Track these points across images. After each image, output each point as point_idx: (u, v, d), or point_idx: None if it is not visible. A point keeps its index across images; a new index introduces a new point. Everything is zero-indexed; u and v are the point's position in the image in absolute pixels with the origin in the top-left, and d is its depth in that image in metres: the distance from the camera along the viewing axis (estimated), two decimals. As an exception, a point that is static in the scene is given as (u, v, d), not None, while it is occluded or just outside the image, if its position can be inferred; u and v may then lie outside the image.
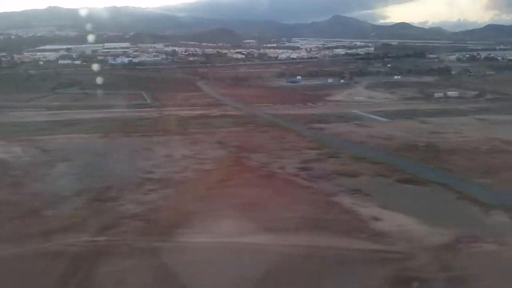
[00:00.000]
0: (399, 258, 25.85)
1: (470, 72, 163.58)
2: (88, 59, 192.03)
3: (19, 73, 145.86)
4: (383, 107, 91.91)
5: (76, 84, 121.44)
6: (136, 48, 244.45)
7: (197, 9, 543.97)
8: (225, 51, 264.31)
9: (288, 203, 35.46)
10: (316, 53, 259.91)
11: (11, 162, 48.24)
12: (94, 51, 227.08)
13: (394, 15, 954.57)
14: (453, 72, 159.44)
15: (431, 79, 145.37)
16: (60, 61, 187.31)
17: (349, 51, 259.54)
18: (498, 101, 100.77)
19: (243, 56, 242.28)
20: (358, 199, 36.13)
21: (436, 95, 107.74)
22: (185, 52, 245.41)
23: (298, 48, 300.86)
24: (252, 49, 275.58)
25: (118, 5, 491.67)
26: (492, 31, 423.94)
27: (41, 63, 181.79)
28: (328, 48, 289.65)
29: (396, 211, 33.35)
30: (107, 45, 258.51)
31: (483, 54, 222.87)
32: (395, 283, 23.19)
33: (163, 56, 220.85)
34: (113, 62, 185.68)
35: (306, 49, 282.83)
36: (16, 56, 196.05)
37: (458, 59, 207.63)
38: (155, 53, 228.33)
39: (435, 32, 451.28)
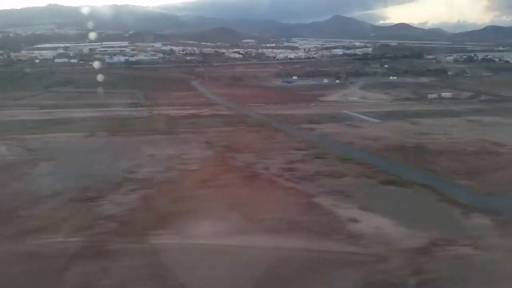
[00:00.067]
0: (371, 261, 25.58)
1: (467, 73, 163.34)
2: (85, 57, 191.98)
3: (13, 71, 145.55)
4: (375, 108, 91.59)
5: (70, 83, 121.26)
6: (134, 47, 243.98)
7: (198, 8, 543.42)
8: (223, 50, 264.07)
9: (267, 204, 35.20)
10: (314, 53, 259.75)
11: (-6, 161, 47.97)
12: (91, 50, 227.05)
13: (394, 15, 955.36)
14: (449, 73, 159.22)
15: (427, 80, 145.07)
16: (57, 60, 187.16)
17: (347, 52, 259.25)
18: (491, 103, 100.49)
19: (241, 55, 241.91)
20: (339, 201, 35.88)
21: (430, 96, 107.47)
22: (183, 51, 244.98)
23: (296, 48, 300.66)
24: (251, 49, 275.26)
25: (119, 4, 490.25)
26: (492, 32, 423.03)
27: (37, 61, 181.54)
28: (326, 48, 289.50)
29: (376, 213, 33.09)
30: (105, 43, 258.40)
31: (481, 56, 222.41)
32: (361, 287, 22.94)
33: (160, 55, 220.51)
34: (109, 61, 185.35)
35: (304, 49, 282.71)
36: (12, 54, 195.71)
37: (456, 60, 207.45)
38: (152, 52, 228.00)
39: (435, 33, 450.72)
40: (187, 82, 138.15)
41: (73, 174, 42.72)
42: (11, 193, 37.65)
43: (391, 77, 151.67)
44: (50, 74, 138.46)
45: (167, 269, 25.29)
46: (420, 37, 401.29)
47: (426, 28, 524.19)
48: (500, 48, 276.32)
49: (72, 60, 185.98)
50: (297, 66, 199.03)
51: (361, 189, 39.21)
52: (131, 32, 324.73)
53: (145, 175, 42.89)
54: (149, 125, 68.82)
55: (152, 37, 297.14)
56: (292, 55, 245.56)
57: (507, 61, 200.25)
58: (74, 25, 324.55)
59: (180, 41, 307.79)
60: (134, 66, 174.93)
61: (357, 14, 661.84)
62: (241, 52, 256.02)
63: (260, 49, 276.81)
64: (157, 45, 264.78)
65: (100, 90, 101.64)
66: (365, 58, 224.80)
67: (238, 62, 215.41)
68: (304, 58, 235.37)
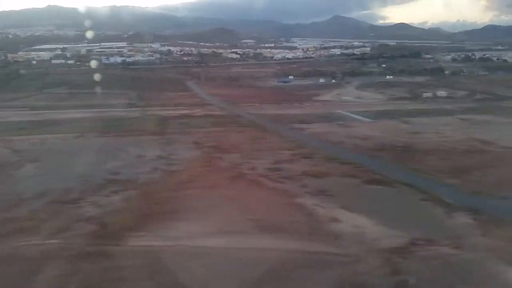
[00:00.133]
0: (346, 262, 25.34)
1: (463, 72, 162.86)
2: (82, 58, 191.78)
3: (8, 72, 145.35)
4: (369, 107, 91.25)
5: (64, 84, 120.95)
6: (131, 48, 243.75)
7: (197, 8, 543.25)
8: (221, 51, 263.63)
9: (249, 205, 35.01)
10: (312, 53, 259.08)
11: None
12: (89, 51, 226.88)
13: (394, 15, 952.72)
14: (446, 72, 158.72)
15: (423, 79, 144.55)
16: (54, 61, 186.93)
17: (345, 51, 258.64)
18: (486, 101, 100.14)
19: (238, 56, 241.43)
20: (321, 200, 35.66)
21: (425, 95, 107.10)
22: (180, 51, 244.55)
23: (295, 48, 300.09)
24: (249, 49, 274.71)
25: (118, 4, 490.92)
26: (491, 31, 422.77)
27: (34, 62, 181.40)
28: (325, 48, 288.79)
29: (357, 213, 32.86)
30: (103, 44, 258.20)
31: (479, 55, 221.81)
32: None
33: (158, 55, 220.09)
34: (106, 61, 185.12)
35: (302, 49, 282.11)
36: (10, 56, 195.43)
37: (453, 59, 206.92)
38: (149, 53, 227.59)
39: (434, 33, 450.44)
40: (182, 83, 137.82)
41: (57, 176, 42.55)
42: (-7, 195, 37.43)
43: (387, 77, 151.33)
44: (45, 75, 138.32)
45: (141, 271, 25.09)
46: (419, 37, 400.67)
47: (425, 28, 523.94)
48: (499, 47, 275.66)
49: (69, 61, 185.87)
50: (295, 66, 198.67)
51: (345, 188, 39.01)
52: (130, 33, 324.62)
53: (129, 176, 42.63)
54: (140, 126, 68.49)
55: (151, 37, 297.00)
56: (290, 55, 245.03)
57: (505, 60, 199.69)
58: (73, 26, 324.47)
59: (179, 41, 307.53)
60: (130, 66, 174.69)
61: (356, 14, 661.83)
62: (239, 52, 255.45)
63: (258, 49, 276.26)
64: (156, 45, 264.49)
65: (94, 91, 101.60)
66: (362, 57, 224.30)
67: (236, 63, 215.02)
68: (302, 58, 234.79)
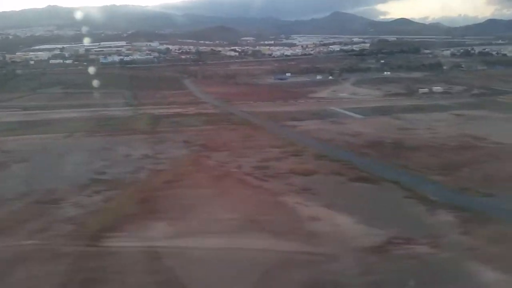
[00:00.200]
0: (321, 261, 25.08)
1: (462, 67, 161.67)
2: (80, 58, 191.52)
3: (4, 73, 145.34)
4: (363, 103, 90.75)
5: (60, 84, 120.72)
6: (130, 47, 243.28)
7: (197, 7, 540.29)
8: (219, 48, 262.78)
9: (231, 204, 34.79)
10: (311, 50, 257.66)
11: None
12: (87, 50, 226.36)
13: (394, 11, 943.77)
14: (444, 67, 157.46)
15: (421, 74, 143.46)
16: (52, 61, 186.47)
17: (344, 48, 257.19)
18: (482, 96, 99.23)
19: (237, 53, 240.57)
20: (304, 199, 35.40)
21: (421, 90, 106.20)
22: (179, 50, 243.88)
23: (295, 45, 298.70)
24: (248, 47, 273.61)
25: (117, 4, 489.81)
26: (493, 26, 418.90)
27: (31, 62, 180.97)
28: (324, 44, 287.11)
29: (338, 211, 32.57)
30: (103, 44, 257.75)
31: (479, 49, 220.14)
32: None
33: (156, 54, 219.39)
34: (104, 61, 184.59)
35: (302, 46, 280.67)
36: (8, 56, 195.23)
37: (452, 54, 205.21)
38: (147, 52, 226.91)
39: (435, 28, 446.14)
40: (179, 81, 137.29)
41: (42, 176, 42.55)
42: (-25, 195, 37.33)
43: (385, 73, 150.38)
44: (41, 76, 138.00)
45: (117, 272, 24.92)
46: (420, 32, 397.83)
47: (426, 23, 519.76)
48: (500, 42, 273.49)
49: (67, 61, 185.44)
50: (293, 63, 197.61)
51: (330, 186, 38.73)
52: (130, 32, 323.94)
53: (115, 176, 42.53)
54: (131, 125, 68.39)
55: (151, 36, 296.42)
56: (288, 52, 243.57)
57: (504, 54, 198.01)
58: (73, 26, 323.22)
59: (179, 40, 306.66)
60: (128, 65, 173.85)
61: (357, 10, 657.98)
62: (237, 50, 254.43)
63: (257, 47, 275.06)
64: (154, 44, 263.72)
65: (89, 90, 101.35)
66: (361, 53, 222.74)
67: (234, 60, 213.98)
68: (300, 55, 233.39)
